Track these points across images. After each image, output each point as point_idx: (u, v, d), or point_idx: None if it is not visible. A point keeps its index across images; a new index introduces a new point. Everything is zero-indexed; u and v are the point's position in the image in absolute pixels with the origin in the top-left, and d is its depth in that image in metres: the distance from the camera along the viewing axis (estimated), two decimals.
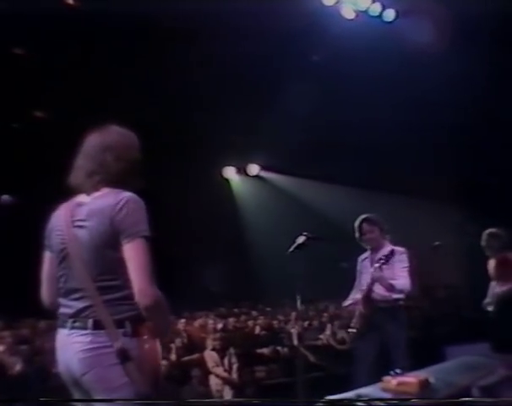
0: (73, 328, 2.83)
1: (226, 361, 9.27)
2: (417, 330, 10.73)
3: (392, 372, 3.75)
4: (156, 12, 8.99)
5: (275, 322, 11.98)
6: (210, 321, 11.37)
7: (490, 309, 6.82)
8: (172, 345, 9.63)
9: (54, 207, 3.08)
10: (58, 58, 10.10)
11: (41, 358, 7.37)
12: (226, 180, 16.81)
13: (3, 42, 9.31)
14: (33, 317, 9.62)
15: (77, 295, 2.85)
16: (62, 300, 2.93)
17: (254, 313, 12.88)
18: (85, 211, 2.90)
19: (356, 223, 6.17)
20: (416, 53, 10.18)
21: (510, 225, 7.18)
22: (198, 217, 14.47)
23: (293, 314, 11.94)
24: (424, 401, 2.84)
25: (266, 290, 14.01)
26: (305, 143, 13.04)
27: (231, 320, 11.91)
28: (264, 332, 11.44)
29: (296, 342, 10.90)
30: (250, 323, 11.86)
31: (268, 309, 13.09)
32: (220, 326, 11.28)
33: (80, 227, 2.88)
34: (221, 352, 9.23)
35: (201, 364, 8.99)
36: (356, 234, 6.17)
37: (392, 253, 5.82)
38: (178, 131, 13.01)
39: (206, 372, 8.79)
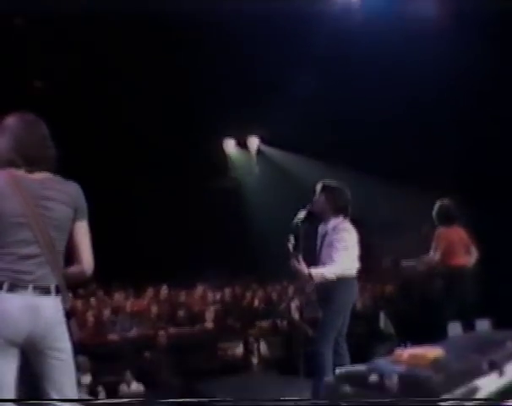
0: (36, 292, 2.97)
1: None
2: (427, 306, 10.75)
3: (403, 345, 3.72)
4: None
5: (274, 295, 11.96)
6: (210, 294, 11.36)
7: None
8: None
9: None
10: (59, 29, 9.95)
11: None
12: (226, 153, 16.69)
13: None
14: None
15: (37, 261, 2.98)
16: (14, 265, 2.94)
17: (254, 286, 12.81)
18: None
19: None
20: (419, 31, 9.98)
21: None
22: (198, 191, 14.39)
23: (292, 287, 11.95)
24: (425, 400, 2.81)
25: (266, 264, 13.98)
26: (306, 119, 12.90)
27: (228, 290, 11.84)
28: (262, 306, 11.42)
29: (295, 315, 10.93)
30: (249, 295, 11.83)
31: (267, 282, 13.06)
32: (218, 297, 11.28)
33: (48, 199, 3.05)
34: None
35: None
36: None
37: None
38: (178, 103, 12.86)
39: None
